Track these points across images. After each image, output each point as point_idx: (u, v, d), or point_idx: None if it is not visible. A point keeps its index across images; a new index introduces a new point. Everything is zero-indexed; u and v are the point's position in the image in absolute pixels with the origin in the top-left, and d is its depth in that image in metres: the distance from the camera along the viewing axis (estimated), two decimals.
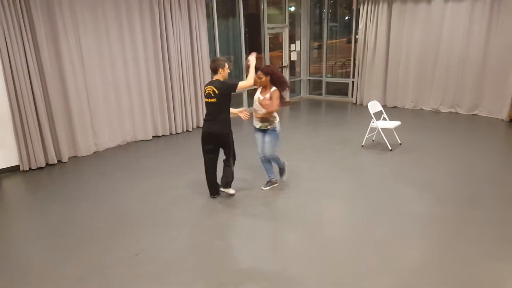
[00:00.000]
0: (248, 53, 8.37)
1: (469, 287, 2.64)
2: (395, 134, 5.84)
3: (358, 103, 8.89)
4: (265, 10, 8.52)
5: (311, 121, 7.79)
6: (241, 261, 3.03)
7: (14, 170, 5.26)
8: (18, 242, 3.47)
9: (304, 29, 9.62)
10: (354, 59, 8.94)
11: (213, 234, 3.44)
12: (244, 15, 8.02)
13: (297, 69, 9.92)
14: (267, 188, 4.32)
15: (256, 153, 4.32)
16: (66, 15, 5.33)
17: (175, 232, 3.49)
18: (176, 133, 6.97)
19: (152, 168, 5.22)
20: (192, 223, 3.65)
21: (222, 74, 3.86)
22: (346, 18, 9.35)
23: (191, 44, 6.89)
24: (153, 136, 6.76)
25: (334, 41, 9.61)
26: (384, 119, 5.87)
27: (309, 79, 10.02)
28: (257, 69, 3.97)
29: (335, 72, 9.77)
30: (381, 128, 5.66)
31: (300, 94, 10.12)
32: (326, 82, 9.72)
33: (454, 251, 3.04)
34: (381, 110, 5.88)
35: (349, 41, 9.17)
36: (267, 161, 4.25)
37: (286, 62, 9.36)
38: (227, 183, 4.12)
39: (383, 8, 8.04)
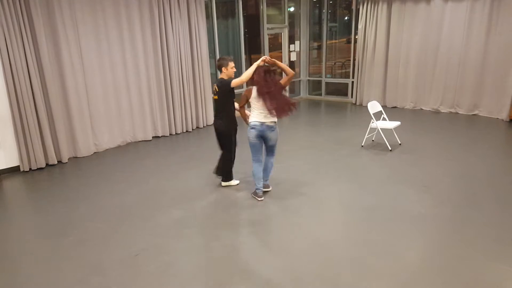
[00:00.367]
0: (247, 53, 8.39)
1: None
2: (395, 134, 5.84)
3: (357, 104, 8.90)
4: (265, 10, 8.52)
5: (311, 121, 7.80)
6: (240, 261, 3.03)
7: (14, 170, 5.27)
8: (18, 242, 3.47)
9: (304, 29, 9.63)
10: (354, 59, 8.95)
11: (213, 235, 3.45)
12: (243, 16, 8.03)
13: (296, 70, 9.93)
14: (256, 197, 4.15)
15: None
16: (65, 16, 5.34)
17: (175, 233, 3.49)
18: (175, 133, 6.97)
19: (151, 168, 5.22)
20: (191, 224, 3.66)
21: (226, 73, 4.04)
22: (346, 18, 9.36)
23: (191, 44, 6.90)
24: (152, 137, 6.77)
25: (333, 41, 9.62)
26: (384, 119, 5.87)
27: (308, 80, 10.03)
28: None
29: (335, 73, 9.78)
30: (380, 129, 5.66)
31: (299, 94, 10.13)
32: (326, 83, 9.73)
33: (453, 252, 3.04)
34: (380, 110, 5.89)
35: (349, 41, 9.18)
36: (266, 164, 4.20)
37: (285, 63, 9.37)
38: (218, 170, 4.46)
39: (382, 8, 8.05)
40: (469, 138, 6.05)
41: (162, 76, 6.58)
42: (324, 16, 9.33)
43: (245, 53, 8.28)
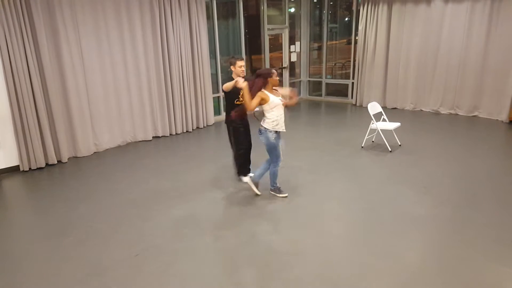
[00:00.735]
0: (248, 54, 8.39)
1: None
2: (395, 135, 5.85)
3: (358, 104, 8.90)
4: (265, 11, 8.53)
5: (311, 122, 7.80)
6: (240, 262, 3.03)
7: (14, 170, 5.27)
8: (18, 242, 3.47)
9: (304, 30, 9.64)
10: (354, 60, 8.96)
11: (213, 235, 3.44)
12: (244, 16, 8.04)
13: (297, 70, 9.94)
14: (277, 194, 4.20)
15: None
16: (66, 15, 5.34)
17: (175, 233, 3.49)
18: (176, 133, 6.97)
19: (151, 168, 5.22)
20: (191, 224, 3.65)
21: (234, 71, 4.22)
22: (346, 19, 9.37)
23: (191, 45, 6.90)
24: (153, 137, 6.77)
25: (334, 42, 9.62)
26: (384, 120, 5.87)
27: (309, 80, 10.03)
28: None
29: (335, 73, 9.78)
30: (381, 130, 5.67)
31: (300, 95, 10.13)
32: (326, 83, 9.73)
33: (453, 253, 3.04)
34: (381, 112, 5.89)
35: (349, 42, 9.19)
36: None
37: (286, 63, 9.38)
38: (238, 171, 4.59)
39: (383, 9, 8.06)
40: (469, 139, 6.05)
41: (162, 76, 6.58)
42: (325, 17, 9.34)
43: (246, 54, 8.28)
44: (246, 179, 4.51)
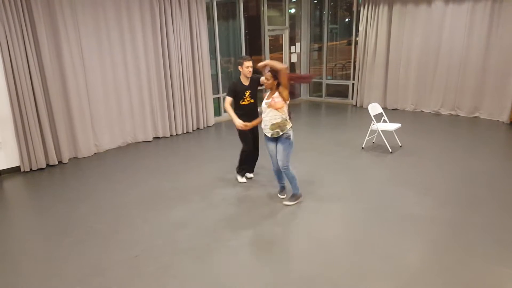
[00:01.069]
0: (248, 54, 8.38)
1: None
2: (396, 136, 5.84)
3: (358, 105, 8.90)
4: (265, 12, 8.53)
5: (311, 123, 7.80)
6: (241, 263, 3.03)
7: (15, 171, 5.27)
8: (18, 242, 3.47)
9: (305, 31, 9.64)
10: (355, 61, 8.95)
11: (213, 236, 3.44)
12: (244, 17, 8.04)
13: (297, 71, 9.93)
14: (292, 203, 3.94)
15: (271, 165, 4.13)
16: (67, 16, 5.35)
17: (175, 234, 3.49)
18: (176, 134, 6.98)
19: (152, 169, 5.22)
20: (192, 225, 3.65)
21: (242, 72, 4.23)
22: (347, 20, 9.37)
23: (192, 45, 6.91)
24: (153, 138, 6.77)
25: (334, 43, 9.62)
26: (385, 121, 5.87)
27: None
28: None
29: (335, 74, 9.78)
30: (381, 130, 5.66)
31: (300, 96, 10.13)
32: (326, 84, 9.73)
33: (454, 254, 3.04)
34: (381, 112, 5.89)
35: (350, 43, 9.18)
36: (280, 171, 4.00)
37: (286, 64, 9.37)
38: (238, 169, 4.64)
39: (383, 10, 8.06)
40: (470, 140, 6.05)
41: (162, 76, 6.58)
42: (325, 18, 9.34)
43: (246, 55, 8.28)
44: (240, 179, 4.59)
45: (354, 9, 8.76)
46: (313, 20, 9.66)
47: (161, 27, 6.38)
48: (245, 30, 8.14)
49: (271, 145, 3.93)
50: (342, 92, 9.50)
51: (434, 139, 6.16)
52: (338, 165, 5.15)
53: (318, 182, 4.57)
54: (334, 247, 3.20)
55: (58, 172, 5.29)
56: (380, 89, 8.49)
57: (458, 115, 7.63)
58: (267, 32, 8.68)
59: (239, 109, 4.26)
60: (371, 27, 8.29)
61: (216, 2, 7.37)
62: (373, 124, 5.64)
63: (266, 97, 3.85)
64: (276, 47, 9.28)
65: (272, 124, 3.74)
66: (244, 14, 8.01)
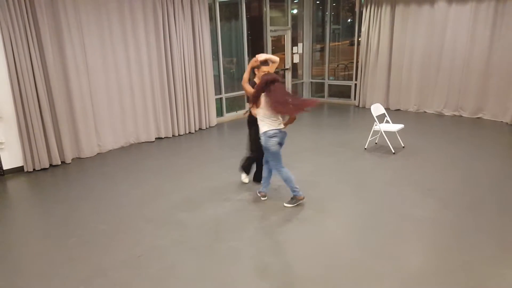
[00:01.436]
0: (250, 55, 8.39)
1: None
2: (398, 137, 5.83)
3: (360, 106, 8.89)
4: (268, 12, 8.53)
5: (313, 123, 7.79)
6: (243, 263, 3.03)
7: (18, 171, 5.29)
8: (21, 242, 3.49)
9: (307, 31, 9.64)
10: (357, 62, 8.94)
11: (216, 237, 3.45)
12: (246, 18, 8.04)
13: (299, 72, 9.93)
14: (290, 205, 3.95)
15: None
16: (70, 17, 5.37)
17: (178, 234, 3.49)
18: (178, 135, 6.99)
19: (154, 170, 5.23)
20: (194, 226, 3.66)
21: (257, 75, 4.09)
22: (349, 20, 9.35)
23: (194, 46, 6.92)
24: (155, 138, 6.78)
25: (336, 43, 9.61)
26: (387, 122, 5.86)
27: (311, 82, 10.03)
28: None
29: (338, 75, 9.77)
30: (384, 131, 5.65)
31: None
32: (329, 85, 9.72)
33: (457, 256, 3.03)
34: (384, 113, 5.88)
35: (352, 44, 9.17)
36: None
37: (288, 65, 9.37)
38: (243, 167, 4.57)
39: (386, 10, 8.04)
40: (473, 141, 6.03)
41: (165, 77, 6.59)
42: (327, 18, 9.33)
43: (248, 55, 8.28)
44: (244, 178, 4.58)
45: (357, 9, 8.75)
46: (315, 20, 9.66)
47: (163, 28, 6.39)
48: (248, 30, 8.14)
49: (285, 138, 4.04)
50: (344, 92, 9.49)
51: (437, 140, 6.14)
52: (340, 166, 5.14)
53: (320, 183, 4.57)
54: (335, 248, 3.20)
55: (61, 172, 5.31)
56: (383, 89, 8.47)
57: (461, 116, 7.61)
58: (269, 32, 8.68)
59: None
60: (374, 27, 8.28)
61: (219, 2, 7.37)
62: (376, 125, 5.63)
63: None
64: (278, 48, 9.28)
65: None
66: (246, 15, 8.01)
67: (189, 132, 7.16)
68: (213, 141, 6.74)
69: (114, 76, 6.07)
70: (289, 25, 9.22)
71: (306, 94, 10.12)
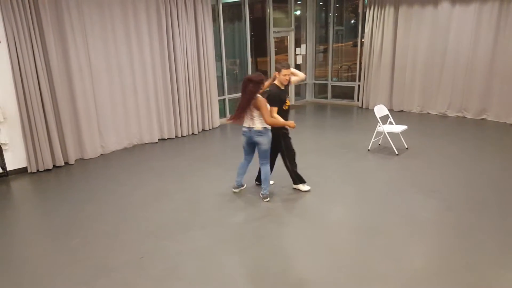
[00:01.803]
0: (253, 56, 8.41)
1: None
2: (402, 138, 5.80)
3: (364, 107, 8.87)
4: (271, 13, 8.54)
5: (316, 125, 7.78)
6: (245, 264, 3.03)
7: (22, 172, 5.32)
8: (25, 243, 3.50)
9: (310, 32, 9.63)
10: (360, 63, 8.92)
11: (218, 238, 3.44)
12: (250, 19, 8.06)
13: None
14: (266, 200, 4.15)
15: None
16: (74, 19, 5.39)
17: (180, 236, 3.49)
18: (181, 136, 7.00)
19: (157, 171, 5.24)
20: (197, 227, 3.66)
21: (278, 78, 4.04)
22: (352, 21, 9.34)
23: (197, 47, 6.93)
24: (159, 139, 6.80)
25: (340, 44, 9.60)
26: (391, 123, 5.84)
27: (314, 83, 10.02)
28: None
29: (341, 76, 9.75)
30: (387, 132, 5.63)
31: (305, 97, 10.12)
32: (332, 86, 9.71)
33: (461, 258, 3.01)
34: (387, 114, 5.86)
35: (355, 45, 9.16)
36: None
37: (291, 66, 9.37)
38: (294, 179, 4.38)
39: (389, 11, 8.03)
40: (477, 143, 5.99)
41: (168, 79, 6.61)
42: (331, 19, 9.33)
43: (251, 56, 8.30)
44: (306, 187, 4.36)
45: (360, 10, 8.74)
46: (318, 21, 9.66)
47: (167, 29, 6.41)
48: (251, 32, 8.16)
49: (261, 139, 4.13)
50: (347, 94, 9.47)
51: (440, 141, 6.11)
52: (343, 167, 5.13)
53: (323, 184, 4.55)
54: (337, 249, 3.18)
55: (64, 173, 5.33)
56: (386, 90, 8.45)
57: (465, 117, 7.57)
58: (273, 34, 8.68)
59: (281, 115, 4.07)
60: (377, 28, 8.26)
61: (222, 4, 7.39)
62: (379, 126, 5.61)
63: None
64: (281, 49, 9.28)
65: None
66: (249, 16, 8.03)
67: (192, 133, 7.17)
68: (216, 142, 6.74)
69: (118, 77, 6.09)
70: (292, 26, 9.22)
71: (309, 95, 10.11)
